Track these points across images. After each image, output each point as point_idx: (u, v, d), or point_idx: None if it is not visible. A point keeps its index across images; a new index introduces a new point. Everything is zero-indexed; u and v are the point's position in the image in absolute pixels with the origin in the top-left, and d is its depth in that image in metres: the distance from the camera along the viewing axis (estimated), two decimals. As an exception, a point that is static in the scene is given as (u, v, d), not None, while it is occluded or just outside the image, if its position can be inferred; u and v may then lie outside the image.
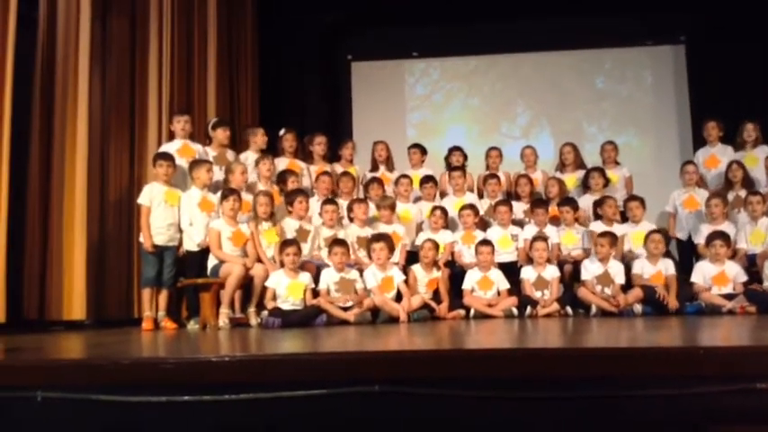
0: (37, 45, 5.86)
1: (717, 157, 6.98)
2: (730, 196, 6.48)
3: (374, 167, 7.26)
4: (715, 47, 8.51)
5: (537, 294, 5.90)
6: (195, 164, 5.91)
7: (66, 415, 2.51)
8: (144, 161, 6.37)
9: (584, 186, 6.89)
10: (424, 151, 7.32)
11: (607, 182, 6.79)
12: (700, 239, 6.21)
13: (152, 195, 5.72)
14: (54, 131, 5.86)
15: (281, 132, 6.87)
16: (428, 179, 6.88)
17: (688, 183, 6.74)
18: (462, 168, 7.05)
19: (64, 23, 5.99)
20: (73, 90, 5.95)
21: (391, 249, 5.84)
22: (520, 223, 6.68)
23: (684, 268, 6.06)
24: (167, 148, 6.12)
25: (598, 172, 6.79)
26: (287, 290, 5.38)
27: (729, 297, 5.54)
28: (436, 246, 6.06)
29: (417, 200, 6.94)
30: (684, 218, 6.69)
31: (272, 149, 6.79)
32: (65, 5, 6.01)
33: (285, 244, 5.51)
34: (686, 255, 6.55)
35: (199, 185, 5.84)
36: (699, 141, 7.65)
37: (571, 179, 7.08)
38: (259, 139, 6.67)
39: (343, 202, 6.40)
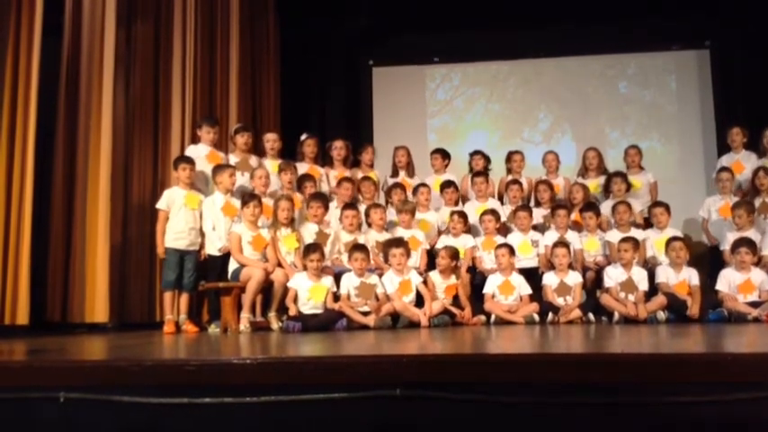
0: (62, 51, 5.95)
1: (741, 163, 6.89)
2: (756, 202, 6.38)
3: (395, 173, 7.25)
4: (740, 52, 8.42)
5: (559, 301, 5.85)
6: (218, 168, 5.95)
7: (89, 416, 2.53)
8: (167, 166, 6.41)
9: (606, 191, 6.82)
10: (445, 156, 7.30)
11: (629, 187, 6.71)
12: (725, 246, 6.13)
13: (171, 200, 5.77)
14: (78, 136, 5.94)
15: (303, 137, 6.88)
16: (449, 184, 6.85)
17: (723, 190, 6.64)
18: (485, 174, 7.01)
19: (89, 30, 6.07)
20: (97, 95, 6.02)
21: (408, 254, 5.84)
22: (541, 229, 6.63)
23: (711, 275, 5.97)
24: (193, 152, 6.17)
25: (620, 177, 6.72)
26: (309, 292, 5.38)
27: (755, 305, 5.46)
28: (453, 253, 6.02)
29: (438, 208, 6.90)
30: (718, 224, 6.57)
31: (292, 155, 6.80)
32: (90, 12, 6.09)
33: (309, 250, 5.50)
34: (717, 261, 6.45)
35: (222, 190, 5.88)
36: (723, 147, 7.56)
37: (593, 184, 7.01)
38: (267, 144, 6.67)
39: (363, 207, 6.39)
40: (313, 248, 5.52)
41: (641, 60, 9.32)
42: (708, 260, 6.55)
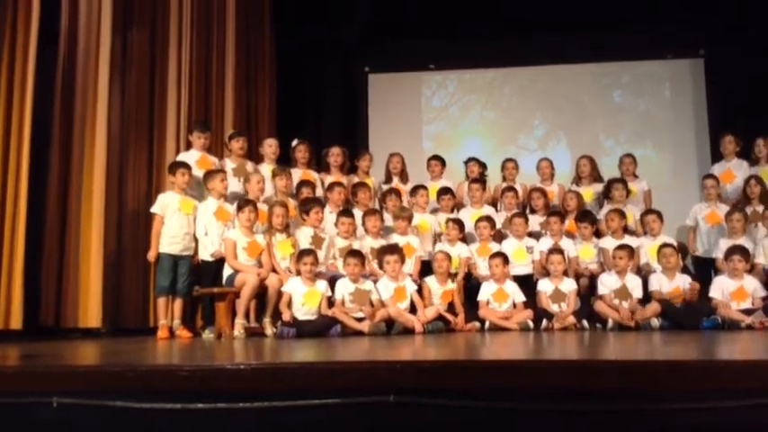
0: (58, 57, 5.94)
1: (732, 171, 6.95)
2: (748, 210, 6.42)
3: (388, 179, 7.26)
4: (734, 61, 8.45)
5: (553, 307, 5.86)
6: (209, 174, 5.96)
7: (81, 421, 2.52)
8: (162, 171, 6.41)
9: (606, 198, 6.85)
10: (444, 163, 7.33)
11: (628, 193, 6.75)
12: (718, 254, 6.16)
13: (166, 205, 5.77)
14: (73, 141, 5.93)
15: (294, 143, 6.89)
16: (446, 191, 6.87)
17: (708, 197, 6.70)
18: (481, 181, 7.04)
19: (85, 36, 6.07)
20: (92, 101, 6.02)
21: (403, 260, 5.84)
22: (536, 236, 6.64)
23: (701, 283, 5.99)
24: (185, 157, 6.17)
25: (621, 183, 6.76)
26: (303, 297, 5.38)
27: (748, 312, 5.47)
28: (449, 257, 6.05)
29: (435, 211, 6.92)
30: (706, 232, 6.63)
31: (287, 160, 6.81)
32: (86, 19, 6.09)
33: (302, 254, 5.51)
34: (704, 269, 6.49)
35: (215, 195, 5.88)
36: (717, 156, 7.60)
37: (588, 192, 7.04)
38: (268, 149, 6.69)
39: (358, 213, 6.40)
40: (306, 252, 5.52)
41: (636, 69, 9.35)
42: (699, 269, 6.59)
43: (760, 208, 6.41)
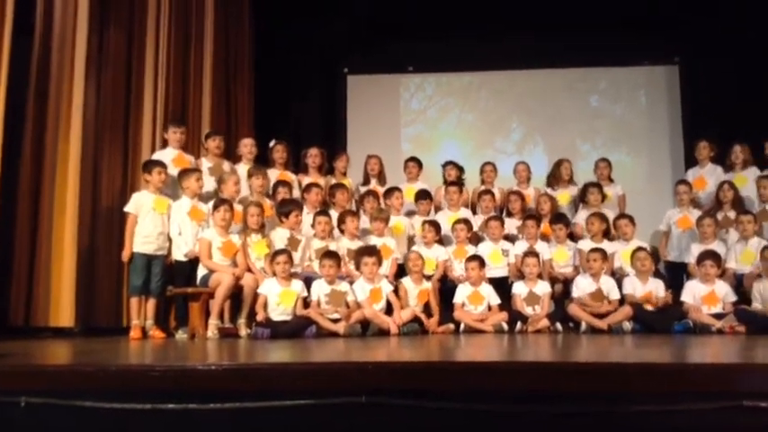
0: (32, 53, 5.85)
1: (705, 178, 7.05)
2: (719, 216, 6.51)
3: (366, 181, 7.26)
4: (708, 69, 8.56)
5: (528, 310, 5.89)
6: (185, 173, 5.90)
7: (50, 421, 2.49)
8: (137, 170, 6.32)
9: (582, 201, 6.91)
10: (420, 165, 7.34)
11: (604, 197, 6.81)
12: (690, 259, 6.23)
13: (140, 204, 5.70)
14: (47, 138, 5.85)
15: (271, 143, 6.86)
16: (424, 195, 6.88)
17: (680, 203, 6.78)
18: (459, 184, 7.06)
19: (60, 32, 5.98)
20: (67, 98, 5.94)
21: (380, 262, 5.84)
22: (512, 239, 6.68)
23: (674, 287, 6.05)
24: (161, 156, 6.11)
25: (597, 187, 6.82)
26: (279, 297, 5.36)
27: (719, 316, 5.53)
28: (422, 257, 6.07)
29: (411, 213, 6.93)
30: (678, 237, 6.71)
31: (264, 161, 6.78)
32: (61, 15, 6.01)
33: (276, 254, 5.49)
34: (676, 274, 6.56)
35: (189, 195, 5.83)
36: (691, 161, 7.69)
37: (564, 196, 7.10)
38: (244, 149, 6.66)
39: (335, 214, 6.38)
40: (280, 252, 5.51)
41: (612, 75, 9.44)
42: (671, 273, 6.66)
43: (732, 213, 6.50)
